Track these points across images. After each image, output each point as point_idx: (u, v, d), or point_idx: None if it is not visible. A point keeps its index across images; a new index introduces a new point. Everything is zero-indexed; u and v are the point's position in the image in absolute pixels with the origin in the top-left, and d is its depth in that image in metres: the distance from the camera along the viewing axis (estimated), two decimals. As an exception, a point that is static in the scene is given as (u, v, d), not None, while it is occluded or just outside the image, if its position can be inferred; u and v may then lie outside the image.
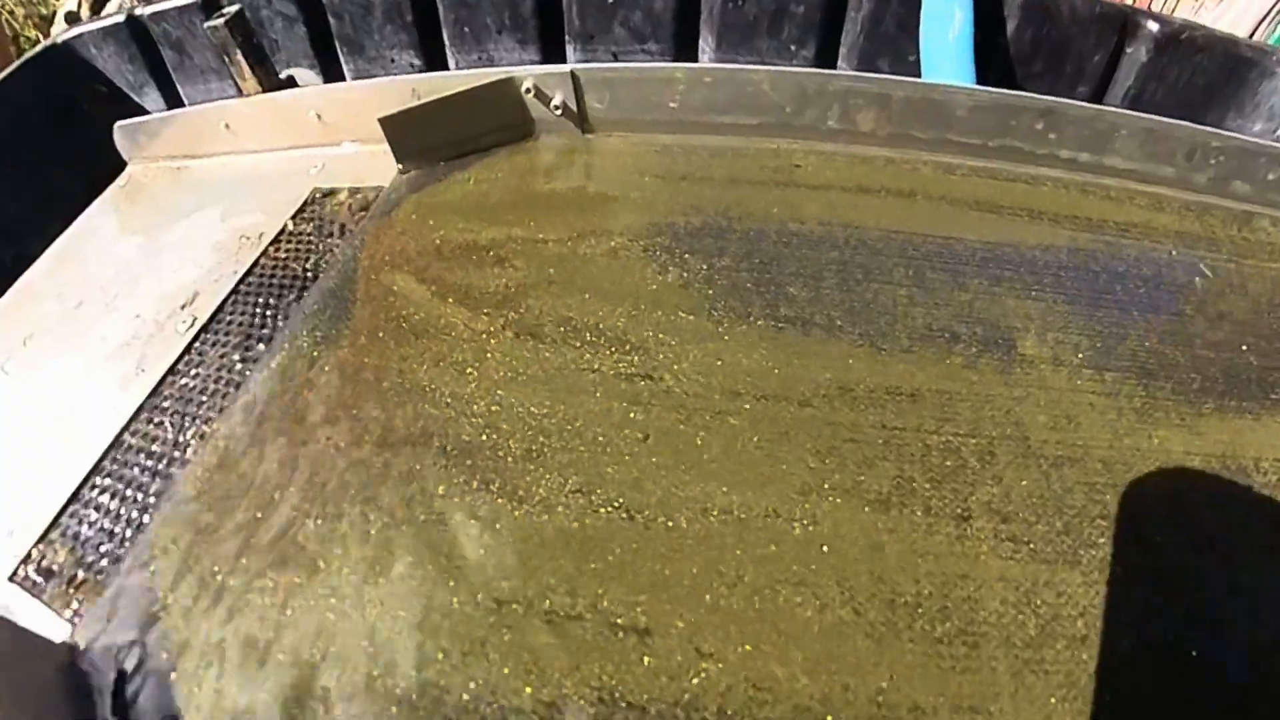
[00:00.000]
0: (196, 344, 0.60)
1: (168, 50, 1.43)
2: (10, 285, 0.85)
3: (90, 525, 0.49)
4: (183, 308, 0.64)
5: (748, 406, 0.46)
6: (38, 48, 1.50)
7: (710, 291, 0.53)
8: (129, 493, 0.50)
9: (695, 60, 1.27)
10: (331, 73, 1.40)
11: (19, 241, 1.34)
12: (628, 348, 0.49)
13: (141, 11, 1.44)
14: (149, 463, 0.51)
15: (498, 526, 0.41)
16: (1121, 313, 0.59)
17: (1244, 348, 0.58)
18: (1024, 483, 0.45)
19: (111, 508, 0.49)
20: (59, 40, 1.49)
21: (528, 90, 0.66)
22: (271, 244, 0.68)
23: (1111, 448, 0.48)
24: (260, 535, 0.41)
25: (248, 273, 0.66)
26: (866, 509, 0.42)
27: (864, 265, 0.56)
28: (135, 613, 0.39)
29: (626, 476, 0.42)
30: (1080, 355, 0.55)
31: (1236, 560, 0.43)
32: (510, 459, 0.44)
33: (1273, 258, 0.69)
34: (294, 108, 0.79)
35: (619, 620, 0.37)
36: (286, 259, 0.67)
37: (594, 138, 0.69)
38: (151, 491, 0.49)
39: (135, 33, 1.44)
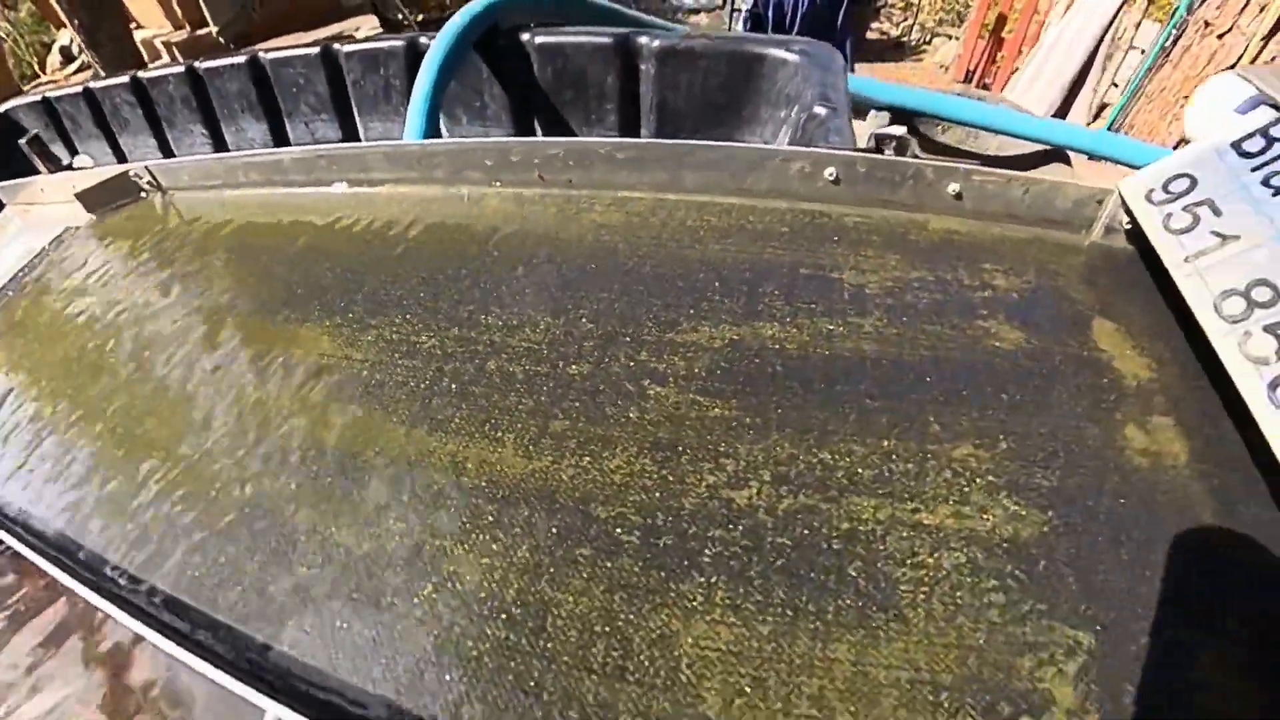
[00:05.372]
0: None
1: (66, 120, 2.10)
2: None
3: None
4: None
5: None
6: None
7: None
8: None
9: (355, 126, 1.77)
10: (164, 141, 2.04)
11: None
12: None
13: (51, 94, 2.11)
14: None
15: None
16: None
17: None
18: None
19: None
20: (3, 110, 2.17)
21: (136, 176, 1.25)
22: (11, 280, 1.31)
23: None
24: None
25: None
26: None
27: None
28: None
29: None
30: None
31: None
32: None
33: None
34: (60, 184, 1.41)
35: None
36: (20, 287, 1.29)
37: (170, 197, 1.27)
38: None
39: (47, 109, 2.12)
